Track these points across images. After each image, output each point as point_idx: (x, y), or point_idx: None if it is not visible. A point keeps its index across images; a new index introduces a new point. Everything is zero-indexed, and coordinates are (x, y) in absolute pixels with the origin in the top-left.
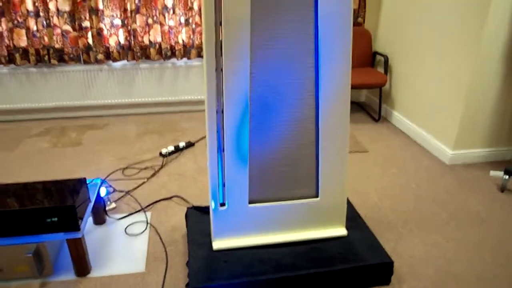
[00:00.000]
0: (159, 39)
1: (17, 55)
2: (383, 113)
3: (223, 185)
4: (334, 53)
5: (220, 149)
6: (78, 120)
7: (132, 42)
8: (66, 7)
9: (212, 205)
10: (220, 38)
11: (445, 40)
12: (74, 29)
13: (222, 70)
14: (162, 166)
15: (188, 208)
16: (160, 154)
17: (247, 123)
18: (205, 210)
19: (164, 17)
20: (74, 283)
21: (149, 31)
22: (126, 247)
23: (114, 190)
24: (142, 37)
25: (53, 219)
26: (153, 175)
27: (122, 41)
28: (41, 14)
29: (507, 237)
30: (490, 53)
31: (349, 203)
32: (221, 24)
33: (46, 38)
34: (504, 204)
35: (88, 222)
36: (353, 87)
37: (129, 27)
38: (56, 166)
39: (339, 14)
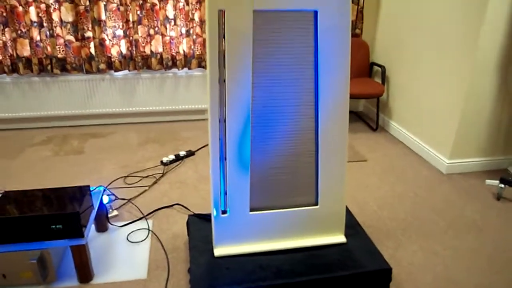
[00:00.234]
0: (160, 49)
1: (20, 65)
2: (381, 123)
3: (225, 193)
4: (333, 65)
5: (222, 158)
6: (80, 128)
7: (134, 52)
8: (69, 18)
9: (214, 213)
10: (224, 50)
11: (441, 51)
12: (76, 39)
13: (225, 81)
14: (163, 175)
15: (189, 216)
16: (161, 162)
17: (248, 132)
18: (206, 218)
19: (166, 28)
20: None
21: (150, 42)
22: (128, 254)
23: (116, 198)
24: (144, 47)
25: (57, 226)
26: (154, 183)
27: (124, 51)
28: (45, 24)
29: (503, 244)
30: (486, 64)
31: (348, 211)
32: (224, 37)
33: (49, 48)
34: (500, 212)
35: (90, 229)
36: (351, 97)
37: (131, 38)
38: (58, 174)
39: (338, 27)
